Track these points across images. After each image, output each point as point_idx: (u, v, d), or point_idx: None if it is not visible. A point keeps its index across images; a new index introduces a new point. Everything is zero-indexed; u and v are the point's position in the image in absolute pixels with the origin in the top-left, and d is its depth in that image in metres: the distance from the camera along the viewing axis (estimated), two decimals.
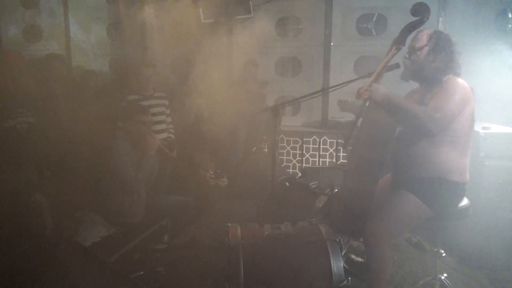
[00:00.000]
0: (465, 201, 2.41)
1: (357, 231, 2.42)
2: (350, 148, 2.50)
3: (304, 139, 5.07)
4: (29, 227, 2.85)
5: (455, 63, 2.31)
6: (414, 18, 2.35)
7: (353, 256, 2.95)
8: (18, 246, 2.50)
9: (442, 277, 2.55)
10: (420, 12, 2.32)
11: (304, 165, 5.07)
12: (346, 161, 2.65)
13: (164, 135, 3.86)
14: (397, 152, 2.41)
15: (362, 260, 2.93)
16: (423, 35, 2.34)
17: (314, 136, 5.03)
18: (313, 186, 3.32)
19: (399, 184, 2.40)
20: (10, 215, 2.80)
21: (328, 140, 4.97)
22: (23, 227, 2.82)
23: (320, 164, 5.01)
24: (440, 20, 4.58)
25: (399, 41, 2.33)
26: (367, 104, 2.33)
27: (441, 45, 2.29)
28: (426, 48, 2.30)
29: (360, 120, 2.40)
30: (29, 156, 3.00)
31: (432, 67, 2.29)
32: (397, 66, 2.50)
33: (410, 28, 2.34)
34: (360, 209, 2.28)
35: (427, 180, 2.28)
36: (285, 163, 5.20)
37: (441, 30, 2.40)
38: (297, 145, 5.12)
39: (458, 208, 2.36)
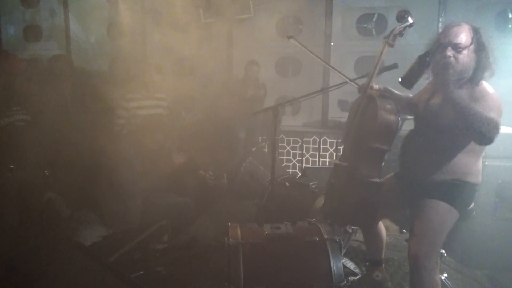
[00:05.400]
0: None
1: (368, 222, 2.40)
2: (346, 142, 2.49)
3: (304, 139, 5.08)
4: (48, 225, 2.88)
5: (491, 67, 2.13)
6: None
7: (346, 261, 2.94)
8: (37, 245, 2.52)
9: (442, 277, 2.55)
10: (406, 19, 2.31)
11: (304, 165, 5.07)
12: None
13: None
14: (415, 157, 2.31)
15: (354, 270, 2.93)
16: (467, 32, 2.09)
17: (314, 136, 5.03)
18: (313, 186, 3.32)
19: (419, 190, 2.28)
20: (23, 214, 2.82)
21: (328, 140, 4.98)
22: (42, 226, 2.84)
23: (320, 164, 5.01)
24: (440, 20, 4.58)
25: (390, 43, 2.32)
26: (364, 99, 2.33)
27: (484, 44, 2.10)
28: (472, 47, 2.08)
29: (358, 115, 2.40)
30: (30, 153, 3.02)
31: (475, 67, 2.10)
32: (395, 66, 2.50)
33: (402, 31, 2.32)
34: (370, 200, 2.24)
35: (450, 183, 2.21)
36: (285, 163, 5.20)
37: (478, 27, 2.14)
38: (297, 145, 5.13)
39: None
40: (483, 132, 1.96)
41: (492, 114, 2.01)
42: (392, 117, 2.24)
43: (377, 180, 2.26)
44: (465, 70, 2.10)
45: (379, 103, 2.25)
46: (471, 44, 2.08)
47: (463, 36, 2.07)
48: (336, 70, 2.67)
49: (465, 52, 2.07)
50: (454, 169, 2.21)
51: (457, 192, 2.22)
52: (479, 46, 2.09)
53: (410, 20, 2.27)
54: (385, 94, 2.38)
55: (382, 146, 2.26)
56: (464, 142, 2.18)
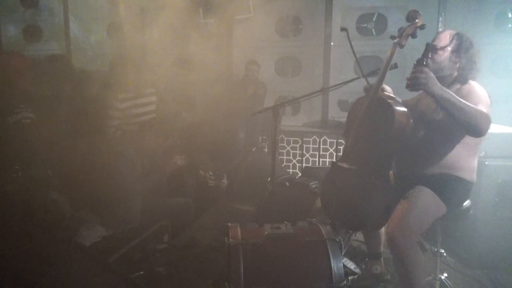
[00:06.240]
0: (466, 201, 2.42)
1: (380, 225, 2.40)
2: (353, 144, 2.47)
3: (304, 139, 5.07)
4: (51, 225, 2.87)
5: (476, 68, 2.29)
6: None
7: (346, 261, 2.95)
8: (41, 246, 2.51)
9: (442, 277, 2.55)
10: (415, 19, 2.31)
11: (304, 165, 5.07)
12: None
13: None
14: (408, 150, 2.38)
15: (355, 270, 2.93)
16: (446, 35, 2.32)
17: (314, 136, 5.03)
18: (313, 186, 3.32)
19: (411, 181, 2.35)
20: (28, 215, 2.81)
21: (328, 140, 4.97)
22: (46, 226, 2.84)
23: (320, 164, 5.01)
24: (440, 20, 4.58)
25: (401, 44, 2.32)
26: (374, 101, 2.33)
27: (464, 47, 2.28)
28: (449, 48, 2.28)
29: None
30: (35, 152, 3.01)
31: (454, 68, 2.28)
32: (395, 66, 2.50)
33: (414, 32, 2.31)
34: (383, 204, 2.26)
35: (441, 176, 2.28)
36: (285, 163, 5.20)
37: (464, 33, 2.36)
38: (297, 145, 5.12)
39: (460, 208, 2.37)
40: (473, 124, 2.02)
41: (481, 107, 2.09)
42: (406, 121, 2.26)
43: (389, 183, 2.28)
44: (440, 68, 2.27)
45: (395, 107, 2.25)
46: (446, 46, 2.28)
47: (440, 39, 2.32)
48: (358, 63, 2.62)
49: (440, 52, 2.28)
50: (444, 163, 2.27)
51: (446, 185, 2.26)
52: (459, 48, 2.28)
53: (420, 21, 2.29)
54: (393, 96, 2.41)
55: (395, 149, 2.26)
56: (453, 136, 2.24)
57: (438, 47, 2.29)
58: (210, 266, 2.91)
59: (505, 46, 4.38)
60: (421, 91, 2.40)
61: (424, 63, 2.08)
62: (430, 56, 2.21)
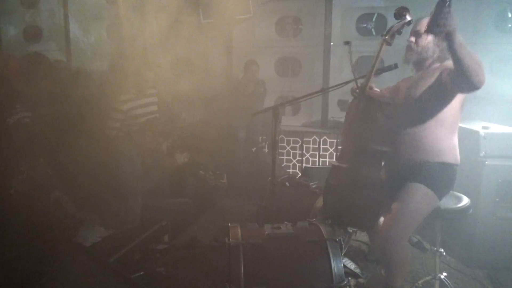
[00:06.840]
0: (465, 200, 2.42)
1: (371, 223, 2.42)
2: (346, 143, 2.49)
3: (304, 139, 5.08)
4: (56, 225, 2.87)
5: None
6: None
7: (346, 261, 2.95)
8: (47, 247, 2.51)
9: (442, 277, 2.55)
10: (404, 16, 2.31)
11: (304, 165, 5.07)
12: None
13: None
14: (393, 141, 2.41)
15: (355, 270, 2.93)
16: (427, 20, 2.35)
17: (314, 136, 5.03)
18: (313, 186, 3.32)
19: (398, 175, 2.39)
20: (32, 215, 2.81)
21: (328, 140, 4.98)
22: (49, 226, 2.84)
23: (320, 164, 5.01)
24: None
25: (388, 41, 2.32)
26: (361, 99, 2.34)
27: None
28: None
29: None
30: (38, 151, 3.01)
31: (437, 50, 2.36)
32: (395, 66, 2.50)
33: (400, 29, 2.31)
34: (372, 201, 2.27)
35: (425, 165, 2.31)
36: (285, 163, 5.20)
37: None
38: (297, 145, 5.13)
39: (458, 208, 2.37)
40: (475, 69, 2.04)
41: None
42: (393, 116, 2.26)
43: (379, 181, 2.28)
44: (424, 50, 2.38)
45: (382, 104, 2.27)
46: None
47: (422, 24, 2.34)
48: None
49: (424, 36, 2.37)
50: (424, 147, 2.32)
51: (431, 175, 2.29)
52: None
53: (408, 17, 2.28)
54: (381, 94, 2.42)
55: (384, 148, 2.28)
56: (430, 117, 2.30)
57: (420, 32, 2.37)
58: (210, 266, 2.91)
59: (505, 46, 4.38)
60: (400, 80, 2.56)
61: (447, 4, 1.94)
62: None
